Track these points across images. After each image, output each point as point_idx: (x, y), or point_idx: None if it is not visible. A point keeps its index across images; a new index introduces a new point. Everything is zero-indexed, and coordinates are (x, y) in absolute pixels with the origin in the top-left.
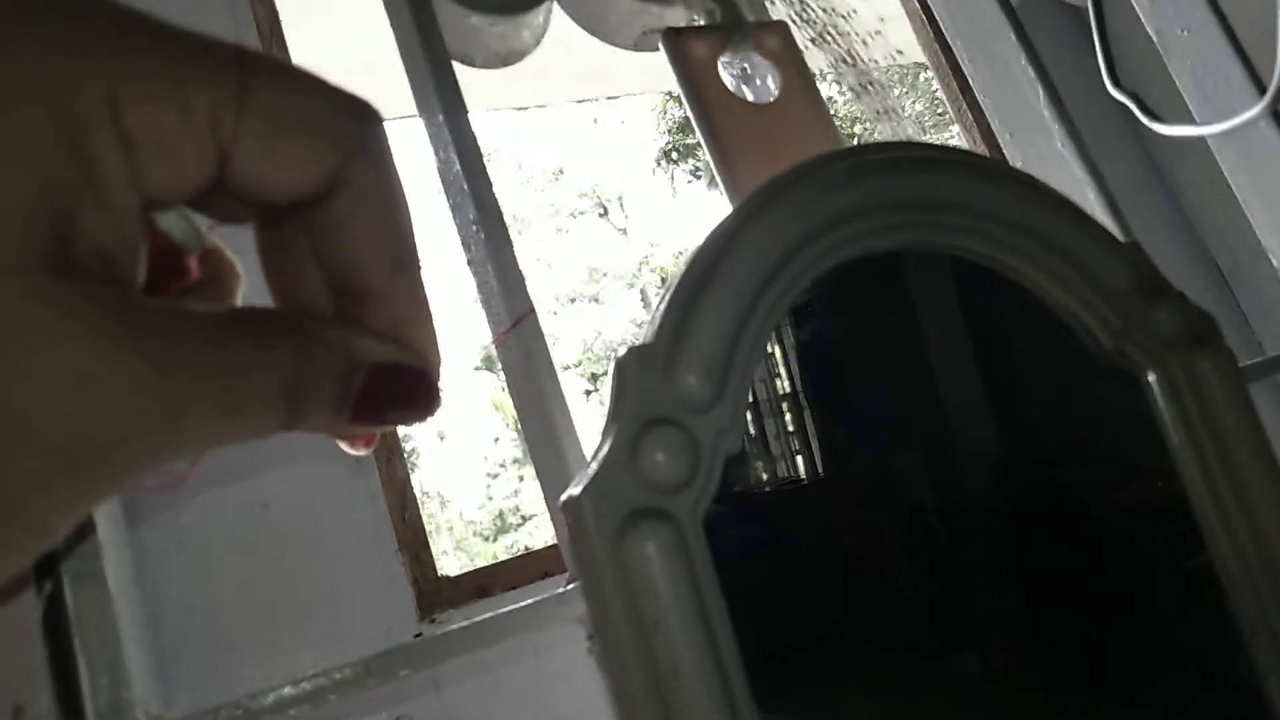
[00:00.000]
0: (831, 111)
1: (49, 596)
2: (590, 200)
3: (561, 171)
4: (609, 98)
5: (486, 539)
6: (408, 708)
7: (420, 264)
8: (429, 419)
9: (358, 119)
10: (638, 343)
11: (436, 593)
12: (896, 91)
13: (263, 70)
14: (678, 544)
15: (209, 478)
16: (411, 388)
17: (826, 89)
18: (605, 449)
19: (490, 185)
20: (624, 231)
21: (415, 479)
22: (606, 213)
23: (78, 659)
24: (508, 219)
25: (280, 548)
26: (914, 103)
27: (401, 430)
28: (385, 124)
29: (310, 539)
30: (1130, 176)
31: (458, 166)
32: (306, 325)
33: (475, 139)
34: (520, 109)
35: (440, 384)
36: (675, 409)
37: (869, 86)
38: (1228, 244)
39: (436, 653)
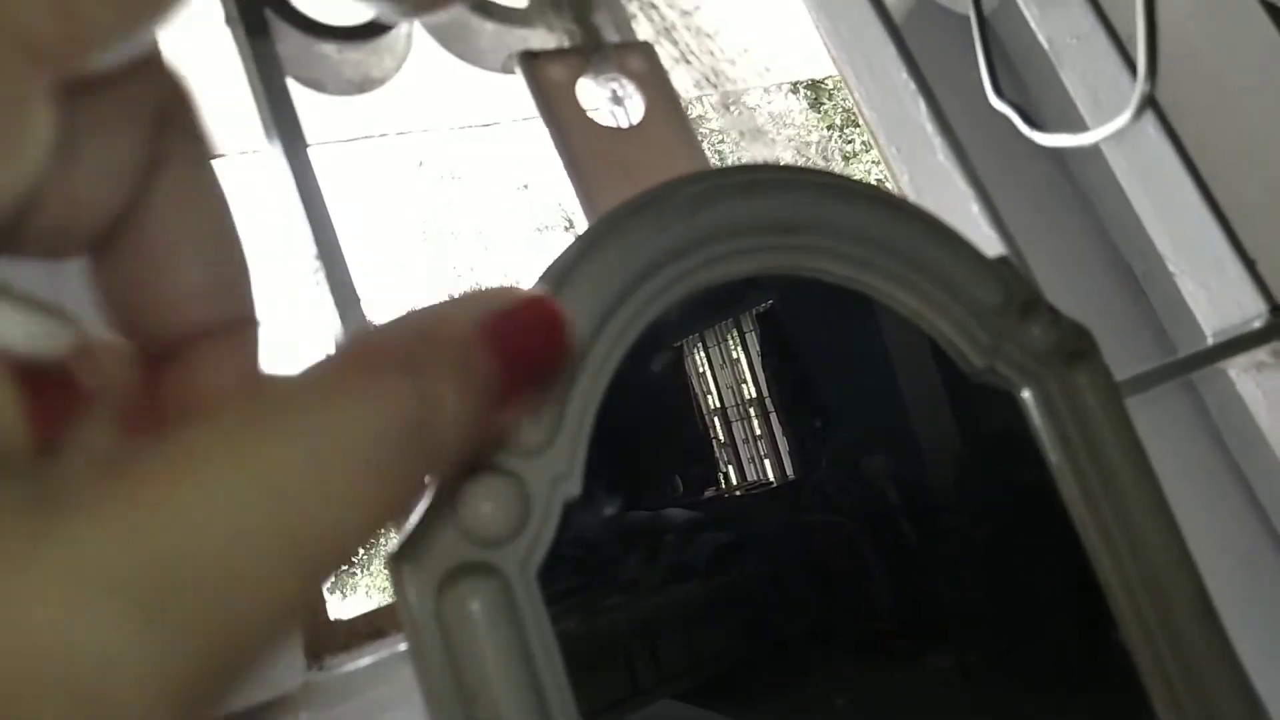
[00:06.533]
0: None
1: None
2: (556, 214)
3: (527, 186)
4: None
5: None
6: None
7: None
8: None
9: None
10: None
11: (327, 636)
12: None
13: None
14: (503, 600)
15: None
16: None
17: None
18: (426, 501)
19: (329, 217)
20: None
21: None
22: (572, 225)
23: None
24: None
25: None
26: None
27: None
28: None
29: None
30: (1039, 185)
31: (296, 196)
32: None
33: (313, 169)
34: (485, 126)
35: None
36: (502, 455)
37: (732, 107)
38: (1140, 249)
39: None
